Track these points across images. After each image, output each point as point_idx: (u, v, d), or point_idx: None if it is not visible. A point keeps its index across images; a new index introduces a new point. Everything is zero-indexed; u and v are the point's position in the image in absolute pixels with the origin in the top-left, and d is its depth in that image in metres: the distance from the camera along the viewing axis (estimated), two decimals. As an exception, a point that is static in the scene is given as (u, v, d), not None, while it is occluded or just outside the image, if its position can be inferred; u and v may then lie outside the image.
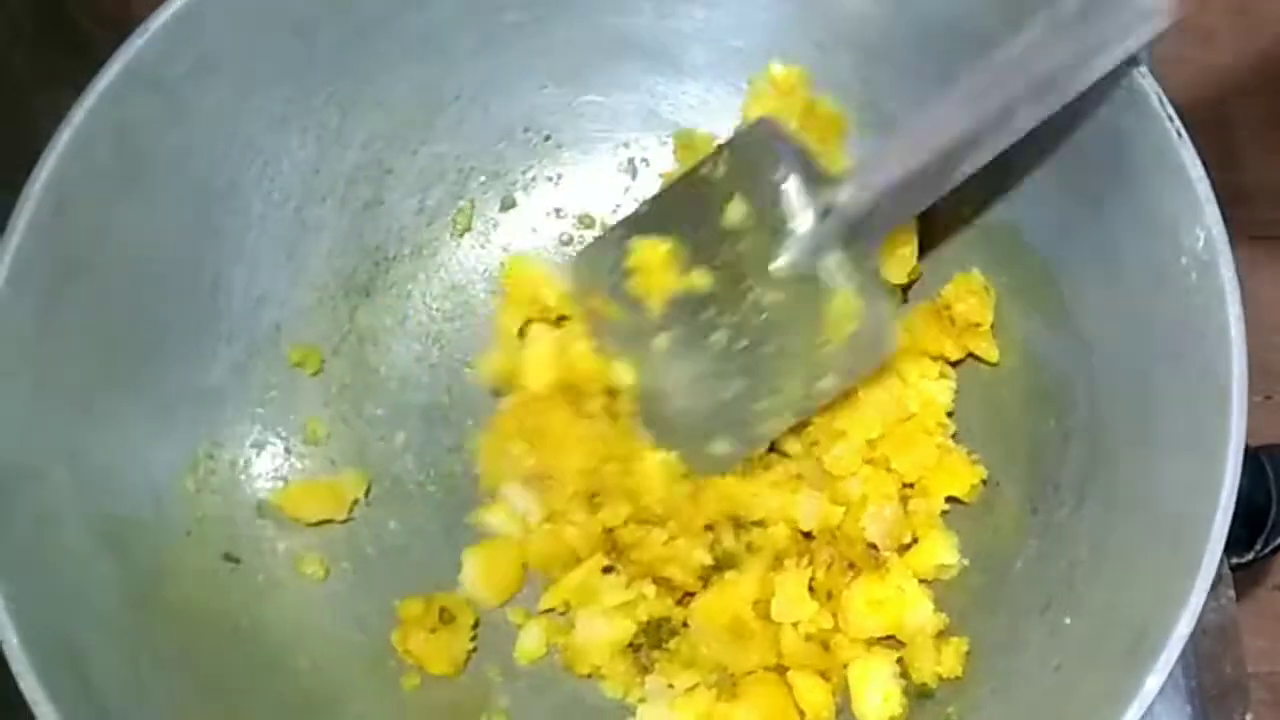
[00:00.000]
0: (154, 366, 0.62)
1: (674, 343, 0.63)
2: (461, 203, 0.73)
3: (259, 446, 0.68)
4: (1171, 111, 0.53)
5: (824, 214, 0.57)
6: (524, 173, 0.73)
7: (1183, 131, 0.53)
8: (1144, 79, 0.54)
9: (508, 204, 0.73)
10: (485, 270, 0.73)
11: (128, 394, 0.61)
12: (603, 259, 0.65)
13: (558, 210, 0.74)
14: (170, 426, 0.63)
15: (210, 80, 0.61)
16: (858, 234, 0.58)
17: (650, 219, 0.64)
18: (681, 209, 0.63)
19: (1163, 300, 0.55)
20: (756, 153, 0.60)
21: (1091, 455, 0.59)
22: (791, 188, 0.58)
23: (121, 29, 0.58)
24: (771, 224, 0.58)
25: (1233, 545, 0.50)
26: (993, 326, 0.66)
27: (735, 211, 0.60)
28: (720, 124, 0.71)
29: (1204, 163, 0.53)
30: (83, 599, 0.56)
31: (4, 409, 0.56)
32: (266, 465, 0.68)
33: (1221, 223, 0.53)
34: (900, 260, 0.66)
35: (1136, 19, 0.51)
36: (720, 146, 0.63)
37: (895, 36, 0.63)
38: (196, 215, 0.63)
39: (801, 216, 0.58)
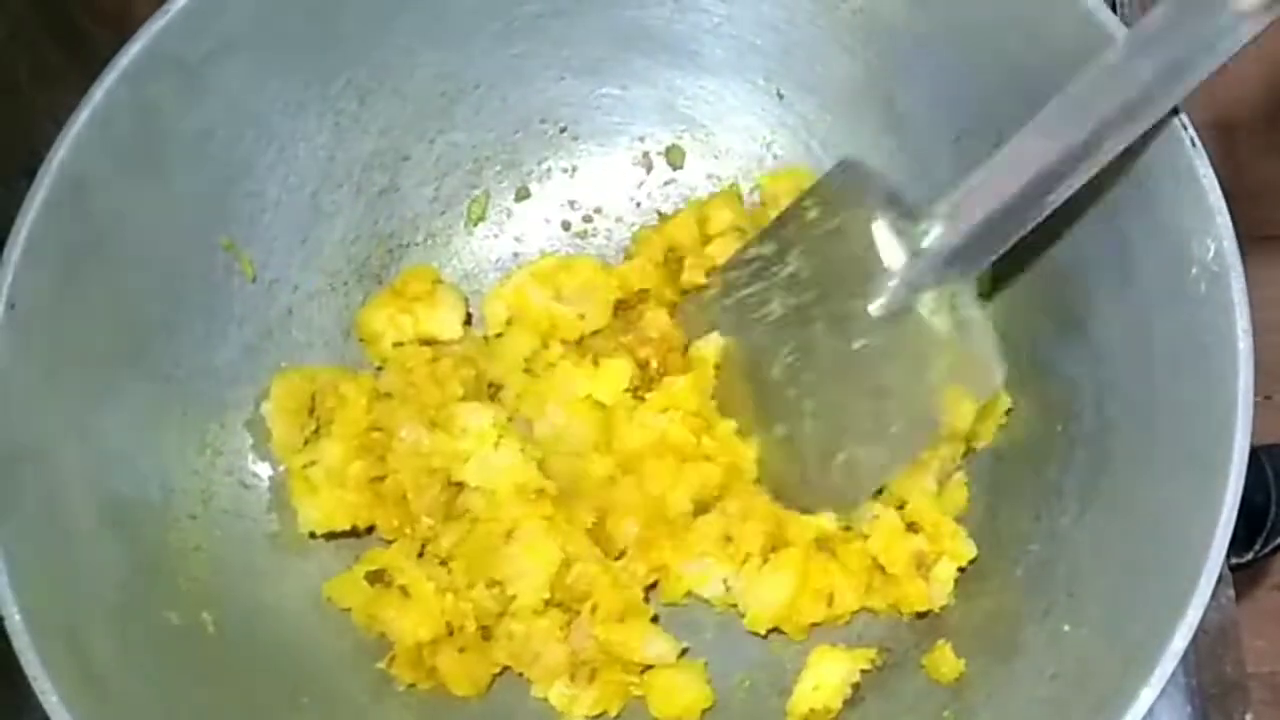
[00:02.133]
0: (165, 347, 0.63)
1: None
2: (476, 192, 0.73)
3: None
4: (1186, 120, 0.53)
5: (916, 252, 0.58)
6: (539, 164, 0.73)
7: (1197, 141, 0.53)
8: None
9: (522, 195, 0.74)
10: (498, 260, 0.74)
11: (138, 373, 0.62)
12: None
13: (572, 202, 0.74)
14: (180, 407, 0.64)
15: (230, 63, 0.61)
16: (952, 270, 0.58)
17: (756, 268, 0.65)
18: (782, 256, 0.64)
19: (1172, 311, 0.55)
20: (845, 195, 0.61)
21: (1096, 463, 0.59)
22: (881, 227, 0.59)
23: (122, 29, 0.58)
24: (865, 265, 0.59)
25: (1233, 545, 0.50)
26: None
27: (827, 254, 0.61)
28: (736, 121, 0.72)
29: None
30: (86, 578, 0.56)
31: (17, 386, 0.56)
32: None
33: (1234, 235, 0.52)
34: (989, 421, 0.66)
35: (1226, 25, 0.49)
36: (808, 190, 0.64)
37: (921, 37, 0.63)
38: (212, 197, 0.64)
39: (894, 256, 0.58)
